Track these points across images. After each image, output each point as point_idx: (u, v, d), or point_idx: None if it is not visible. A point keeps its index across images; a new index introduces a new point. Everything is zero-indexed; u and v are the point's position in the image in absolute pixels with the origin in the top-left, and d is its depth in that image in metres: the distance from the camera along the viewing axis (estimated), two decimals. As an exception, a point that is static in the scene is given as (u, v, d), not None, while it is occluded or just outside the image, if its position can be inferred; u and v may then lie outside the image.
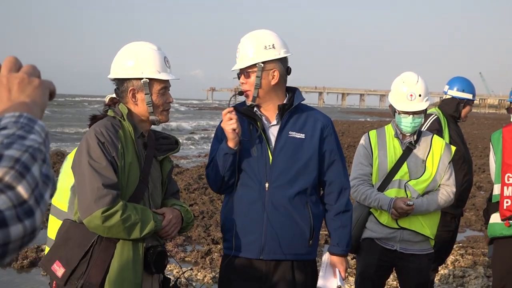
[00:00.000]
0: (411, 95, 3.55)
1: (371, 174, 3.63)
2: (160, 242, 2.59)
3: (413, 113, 3.53)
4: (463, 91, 4.68)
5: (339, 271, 2.87)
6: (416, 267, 3.57)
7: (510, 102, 4.51)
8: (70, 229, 2.47)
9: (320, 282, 2.84)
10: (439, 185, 3.59)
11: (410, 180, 3.54)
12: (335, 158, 2.87)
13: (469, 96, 4.68)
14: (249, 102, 2.81)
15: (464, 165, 4.49)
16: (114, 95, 2.71)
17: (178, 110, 60.71)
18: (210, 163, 2.87)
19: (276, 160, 2.77)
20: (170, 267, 5.76)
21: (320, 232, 2.98)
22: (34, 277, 5.77)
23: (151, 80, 2.52)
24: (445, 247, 4.37)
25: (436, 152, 3.59)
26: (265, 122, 2.83)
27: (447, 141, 4.21)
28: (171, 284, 2.71)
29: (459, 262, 6.53)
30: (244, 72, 2.80)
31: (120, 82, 2.57)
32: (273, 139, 2.80)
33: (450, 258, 6.43)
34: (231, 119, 2.69)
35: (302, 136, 2.80)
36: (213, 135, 3.03)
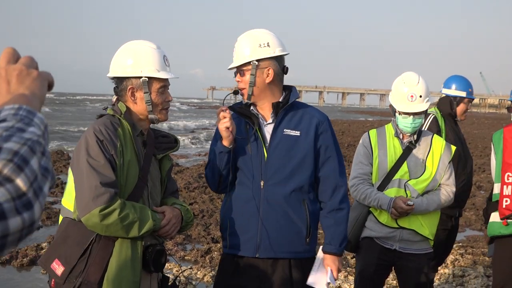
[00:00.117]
0: (412, 96, 3.54)
1: (371, 174, 3.63)
2: (158, 240, 2.59)
3: (414, 114, 3.53)
4: (455, 89, 4.67)
5: (330, 269, 2.81)
6: (415, 267, 3.57)
7: (511, 101, 4.50)
8: (69, 227, 2.47)
9: (310, 280, 2.79)
10: (439, 184, 3.59)
11: (410, 180, 3.54)
12: (331, 155, 2.84)
13: (462, 94, 4.64)
14: (244, 101, 2.82)
15: (460, 165, 4.45)
16: None
17: (180, 109, 60.75)
18: (208, 163, 2.90)
19: (270, 158, 2.78)
20: (169, 265, 5.76)
21: (321, 231, 2.97)
22: (34, 275, 5.77)
23: (150, 78, 2.52)
24: (442, 246, 4.35)
25: (436, 152, 3.59)
26: (261, 120, 2.85)
27: None
28: (169, 283, 2.71)
29: (459, 262, 6.53)
30: (239, 70, 2.82)
31: (119, 81, 2.57)
32: (268, 137, 2.82)
33: (450, 257, 6.43)
34: (224, 117, 2.71)
35: (297, 133, 2.80)
36: None
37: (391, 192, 3.52)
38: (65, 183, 2.63)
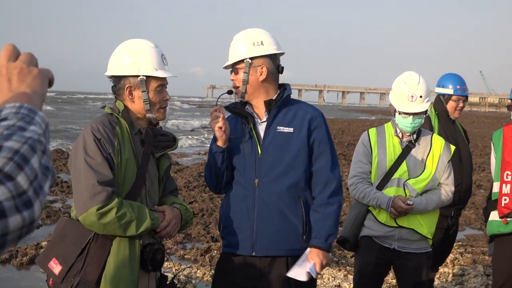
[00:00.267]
0: (412, 96, 3.54)
1: (370, 172, 3.63)
2: (156, 239, 2.59)
3: (414, 114, 3.52)
4: (442, 86, 4.65)
5: (314, 263, 2.74)
6: (414, 266, 3.57)
7: (511, 100, 4.50)
8: (66, 226, 2.47)
9: (291, 273, 2.73)
10: (438, 184, 3.59)
11: (409, 179, 3.54)
12: (323, 150, 2.83)
13: (449, 91, 4.61)
14: (238, 99, 2.84)
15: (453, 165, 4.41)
16: None
17: (182, 108, 60.70)
18: (206, 163, 2.94)
19: (264, 156, 2.79)
20: (169, 264, 5.76)
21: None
22: (33, 274, 5.77)
23: (148, 77, 2.52)
24: (439, 246, 4.33)
25: (435, 151, 3.59)
26: (257, 119, 2.86)
27: None
28: (168, 282, 2.71)
29: (458, 261, 6.53)
30: (234, 68, 2.85)
31: (117, 80, 2.57)
32: (262, 135, 2.83)
33: (450, 256, 6.43)
34: (217, 117, 2.74)
35: (290, 130, 2.80)
36: None
37: (390, 191, 3.52)
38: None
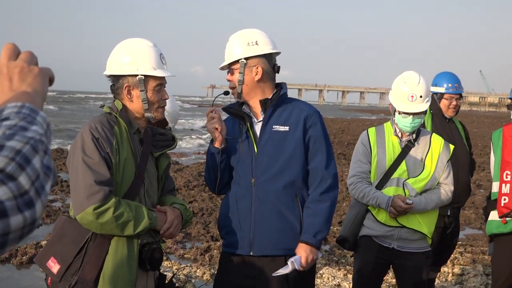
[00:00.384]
0: (412, 96, 3.54)
1: (370, 172, 3.63)
2: (155, 239, 2.59)
3: (413, 113, 3.52)
4: (436, 85, 4.64)
5: (300, 256, 2.71)
6: (413, 265, 3.57)
7: (511, 99, 4.49)
8: (65, 225, 2.47)
9: (278, 271, 2.71)
10: (437, 183, 3.59)
11: (408, 179, 3.54)
12: (319, 148, 2.82)
13: (441, 90, 4.59)
14: (235, 99, 2.85)
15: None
16: None
17: (184, 108, 60.62)
18: (205, 164, 2.96)
19: (260, 155, 2.80)
20: (169, 263, 5.76)
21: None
22: (33, 273, 5.78)
23: (147, 76, 2.52)
24: (437, 245, 4.32)
25: (435, 151, 3.59)
26: (254, 119, 2.87)
27: None
28: (166, 281, 2.71)
29: (458, 260, 6.53)
30: (229, 69, 2.86)
31: (115, 79, 2.56)
32: (259, 135, 2.83)
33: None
34: (213, 118, 2.75)
35: (286, 128, 2.80)
36: None
37: (390, 190, 3.52)
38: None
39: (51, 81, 1.10)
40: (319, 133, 2.83)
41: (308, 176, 2.84)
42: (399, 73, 3.73)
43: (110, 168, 2.40)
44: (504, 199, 3.74)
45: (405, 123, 3.55)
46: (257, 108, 2.86)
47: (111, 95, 2.63)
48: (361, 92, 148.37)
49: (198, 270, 5.85)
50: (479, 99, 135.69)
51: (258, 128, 2.85)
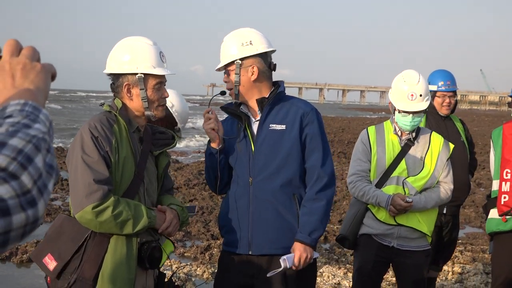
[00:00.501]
0: (412, 95, 3.53)
1: (369, 170, 3.63)
2: (154, 237, 2.59)
3: (413, 112, 3.52)
4: (429, 83, 4.62)
5: (293, 255, 2.71)
6: (413, 263, 3.57)
7: (511, 97, 4.49)
8: (64, 223, 2.47)
9: (270, 272, 2.71)
10: (437, 182, 3.59)
11: (408, 177, 3.54)
12: (316, 146, 2.80)
13: (433, 88, 4.57)
14: (233, 101, 2.85)
15: None
16: None
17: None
18: (205, 165, 2.97)
19: (257, 155, 2.80)
20: (168, 262, 5.76)
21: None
22: (33, 272, 5.78)
23: (146, 75, 2.51)
24: (435, 244, 4.31)
25: (434, 149, 3.59)
26: (252, 118, 2.87)
27: None
28: (166, 280, 2.71)
29: (458, 259, 6.54)
30: (225, 70, 2.85)
31: (115, 77, 2.56)
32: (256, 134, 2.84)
33: (449, 255, 6.43)
34: (209, 119, 2.75)
35: (283, 127, 2.80)
36: None
37: (389, 189, 3.52)
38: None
39: (53, 77, 1.09)
40: (316, 131, 2.81)
41: (306, 173, 2.83)
42: (399, 72, 3.73)
43: (109, 167, 2.40)
44: (504, 197, 3.74)
45: (405, 122, 3.55)
46: (254, 107, 2.86)
47: (111, 94, 2.63)
48: (362, 91, 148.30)
49: (198, 269, 5.85)
50: (480, 97, 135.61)
51: (255, 127, 2.85)
